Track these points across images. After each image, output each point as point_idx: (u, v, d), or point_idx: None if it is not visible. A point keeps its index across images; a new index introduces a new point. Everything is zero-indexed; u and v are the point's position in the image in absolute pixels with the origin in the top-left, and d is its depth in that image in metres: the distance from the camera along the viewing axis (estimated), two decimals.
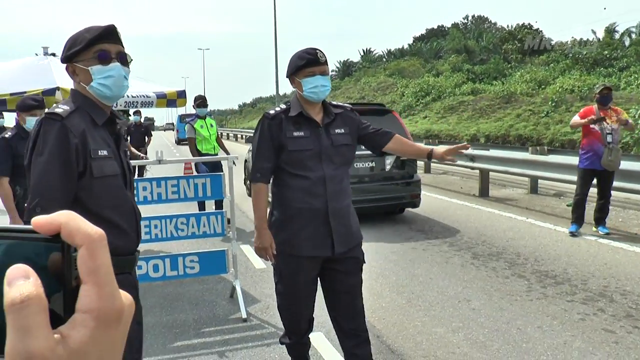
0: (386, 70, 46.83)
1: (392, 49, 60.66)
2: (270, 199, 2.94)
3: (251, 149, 2.91)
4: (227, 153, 8.39)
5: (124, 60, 2.02)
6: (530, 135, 20.84)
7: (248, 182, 10.53)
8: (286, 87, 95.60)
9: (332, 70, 73.26)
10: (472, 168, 10.50)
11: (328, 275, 2.84)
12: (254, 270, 5.74)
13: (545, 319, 4.26)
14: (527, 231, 7.21)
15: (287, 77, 2.82)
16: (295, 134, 2.69)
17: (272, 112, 2.78)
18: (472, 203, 9.54)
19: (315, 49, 2.71)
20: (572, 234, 6.82)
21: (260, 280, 5.40)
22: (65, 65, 2.02)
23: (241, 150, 15.10)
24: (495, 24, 60.61)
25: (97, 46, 1.95)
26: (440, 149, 2.86)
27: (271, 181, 2.86)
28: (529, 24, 45.40)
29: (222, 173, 4.78)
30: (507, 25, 49.23)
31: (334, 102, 2.94)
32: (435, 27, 65.29)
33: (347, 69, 66.98)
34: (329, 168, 2.71)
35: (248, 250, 6.48)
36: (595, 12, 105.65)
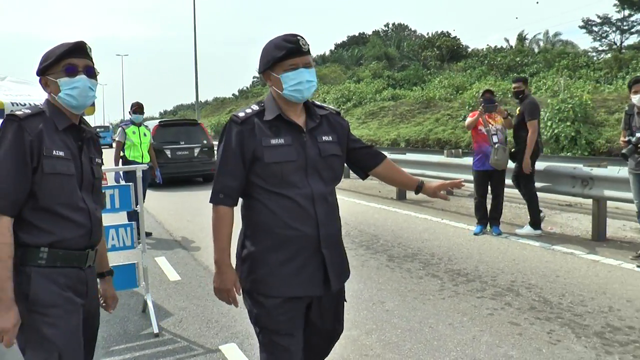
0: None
1: (313, 55, 61.32)
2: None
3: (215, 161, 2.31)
4: (156, 166, 8.21)
5: (91, 73, 2.20)
6: (448, 138, 21.69)
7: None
8: (207, 94, 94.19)
9: (254, 77, 73.25)
10: None
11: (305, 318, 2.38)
12: (168, 283, 5.60)
13: (456, 315, 4.42)
14: (442, 232, 7.47)
15: (260, 72, 2.34)
16: (274, 141, 2.20)
17: (241, 114, 2.26)
18: (389, 206, 9.79)
19: (296, 35, 2.22)
20: (476, 235, 7.17)
21: (175, 293, 5.26)
22: (39, 78, 2.24)
23: None
24: (414, 31, 62.76)
25: (65, 61, 2.15)
26: (432, 183, 2.55)
27: (241, 202, 2.32)
28: (447, 31, 47.35)
29: (130, 184, 4.60)
30: (427, 33, 51.13)
31: (317, 102, 2.46)
32: (356, 34, 66.77)
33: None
34: (318, 184, 2.25)
35: (163, 262, 6.34)
36: (509, 20, 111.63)
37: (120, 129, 8.03)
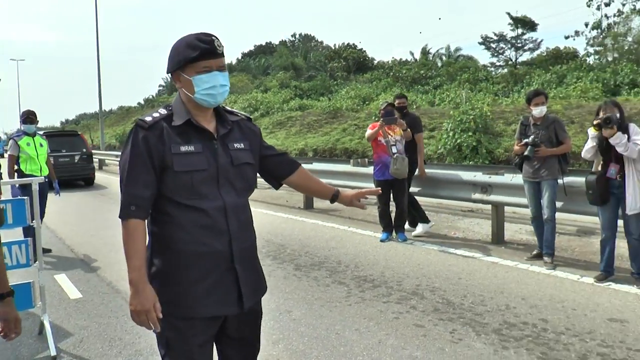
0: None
1: None
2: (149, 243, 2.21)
3: (119, 172, 2.16)
4: (55, 178, 7.68)
5: None
6: (355, 148, 22.21)
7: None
8: (112, 103, 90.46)
9: (160, 86, 71.46)
10: None
11: (219, 337, 2.26)
12: (68, 302, 5.28)
13: (362, 321, 4.49)
14: (348, 239, 7.60)
15: (169, 72, 2.18)
16: (183, 148, 2.06)
17: (148, 118, 2.10)
18: (297, 215, 9.84)
19: (211, 35, 2.09)
20: (383, 242, 7.39)
21: (75, 312, 4.97)
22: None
23: None
24: (321, 42, 63.88)
25: None
26: (348, 192, 2.50)
27: (149, 218, 2.15)
28: (353, 43, 48.57)
29: (25, 198, 4.30)
30: (333, 44, 52.24)
31: (228, 107, 2.33)
32: (264, 43, 66.96)
33: (174, 84, 65.81)
34: (230, 195, 2.13)
35: (63, 280, 6.00)
36: (413, 35, 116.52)
37: (11, 141, 7.34)
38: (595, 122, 5.27)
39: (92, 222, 9.89)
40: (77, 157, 16.48)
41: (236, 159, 2.16)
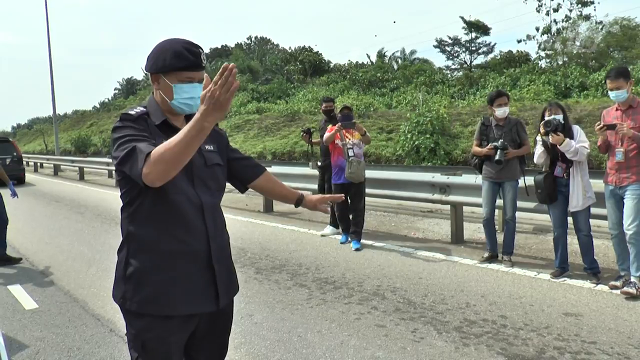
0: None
1: None
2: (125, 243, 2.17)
3: (112, 150, 2.11)
4: (7, 181, 7.44)
5: None
6: (314, 150, 22.22)
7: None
8: (66, 106, 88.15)
9: (116, 89, 70.12)
10: None
11: (188, 341, 2.25)
12: (23, 313, 5.10)
13: (324, 323, 4.51)
14: (309, 242, 7.61)
15: (150, 71, 2.19)
16: None
17: (133, 112, 2.14)
18: (256, 219, 9.80)
19: (199, 47, 2.15)
20: (343, 244, 7.40)
21: (31, 323, 4.81)
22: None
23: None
24: (277, 45, 63.70)
25: None
26: (312, 197, 2.54)
27: (124, 216, 2.15)
28: (310, 46, 48.69)
29: None
30: (289, 47, 52.18)
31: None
32: (219, 46, 66.39)
33: (131, 87, 64.78)
34: (206, 195, 2.17)
35: (17, 291, 5.79)
36: (369, 38, 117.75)
37: None
38: (542, 131, 5.45)
39: (46, 229, 9.60)
40: (8, 160, 19.26)
41: (209, 160, 2.21)
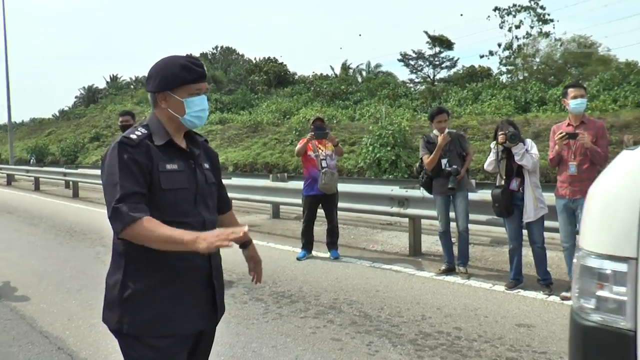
0: (134, 98, 46.06)
1: (139, 76, 59.50)
2: (120, 266, 2.10)
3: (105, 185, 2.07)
4: None
5: None
6: (276, 162, 22.26)
7: None
8: (23, 114, 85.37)
9: (76, 97, 68.74)
10: None
11: None
12: None
13: (279, 337, 4.48)
14: (267, 255, 7.55)
15: (156, 90, 2.16)
16: (169, 166, 2.10)
17: (133, 136, 2.08)
18: None
19: (199, 59, 2.22)
20: (299, 260, 7.23)
21: None
22: None
23: None
24: (242, 55, 63.52)
25: None
26: (251, 251, 2.56)
27: (117, 238, 2.08)
28: (274, 57, 48.76)
29: None
30: (254, 58, 52.12)
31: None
32: (184, 56, 65.99)
33: (92, 95, 63.79)
34: (206, 212, 2.21)
35: None
36: (334, 50, 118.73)
37: None
38: (500, 135, 5.62)
39: None
40: None
41: (209, 178, 2.27)
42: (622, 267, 1.71)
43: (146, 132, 2.12)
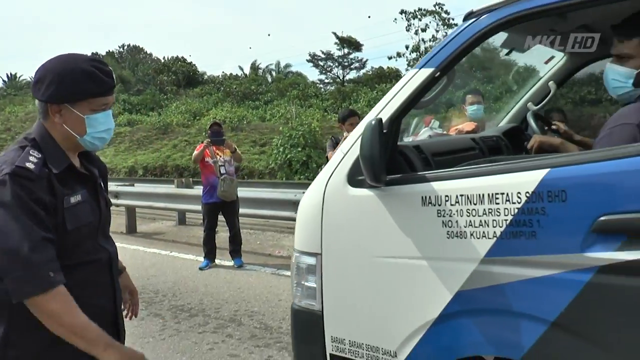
0: (35, 99, 43.28)
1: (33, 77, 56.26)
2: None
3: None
4: None
5: None
6: (186, 165, 21.67)
7: None
8: None
9: None
10: (117, 205, 10.27)
11: None
12: None
13: (175, 356, 4.29)
14: (169, 265, 7.30)
15: (50, 101, 1.68)
16: (73, 200, 1.67)
17: (30, 165, 1.59)
18: (118, 241, 9.20)
19: (107, 65, 1.77)
20: (202, 269, 7.01)
21: None
22: None
23: None
24: (150, 54, 61.66)
25: None
26: (129, 279, 2.29)
27: (2, 287, 1.57)
28: (183, 57, 47.62)
29: None
30: (163, 57, 50.66)
31: None
32: (89, 54, 63.18)
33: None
34: (107, 244, 1.86)
35: None
36: (243, 50, 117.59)
37: None
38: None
39: None
40: None
41: (108, 201, 1.92)
42: (313, 260, 2.18)
43: (40, 156, 1.64)
